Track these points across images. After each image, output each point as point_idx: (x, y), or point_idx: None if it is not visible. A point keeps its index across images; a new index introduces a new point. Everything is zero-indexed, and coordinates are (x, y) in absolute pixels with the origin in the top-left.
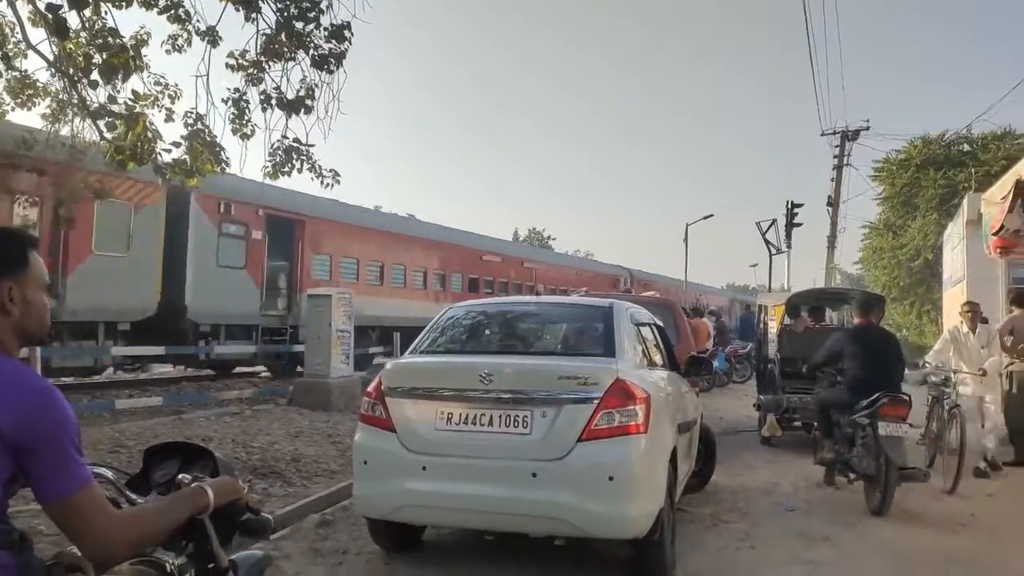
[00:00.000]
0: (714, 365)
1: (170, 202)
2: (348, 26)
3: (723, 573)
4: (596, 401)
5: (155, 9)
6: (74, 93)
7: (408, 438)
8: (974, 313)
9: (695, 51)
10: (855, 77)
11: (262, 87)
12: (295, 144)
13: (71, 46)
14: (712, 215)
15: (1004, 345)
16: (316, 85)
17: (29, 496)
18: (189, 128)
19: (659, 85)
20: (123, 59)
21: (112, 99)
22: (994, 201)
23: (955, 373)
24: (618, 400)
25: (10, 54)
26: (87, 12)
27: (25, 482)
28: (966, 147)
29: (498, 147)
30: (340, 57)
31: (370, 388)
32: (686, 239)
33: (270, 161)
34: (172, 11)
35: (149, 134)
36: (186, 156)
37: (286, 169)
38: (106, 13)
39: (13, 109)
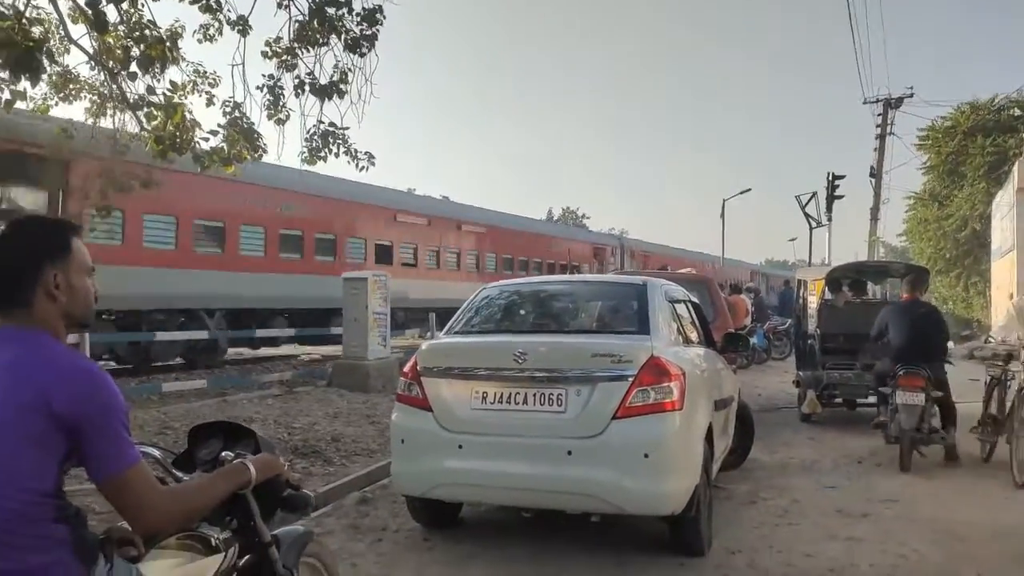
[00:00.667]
0: (752, 342)
1: None
2: (380, 9)
3: (761, 549)
4: (631, 378)
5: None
6: (114, 86)
7: (444, 417)
8: None
9: (729, 31)
10: (898, 45)
11: (296, 73)
12: (331, 128)
13: (111, 39)
14: (749, 189)
15: None
16: (349, 70)
17: (82, 476)
18: (227, 116)
19: (694, 71)
20: (160, 50)
21: (151, 90)
22: None
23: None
24: (653, 377)
25: (53, 51)
26: (124, 5)
27: (78, 461)
28: (1017, 112)
29: (540, 135)
30: (372, 39)
31: (406, 368)
32: (723, 215)
33: (306, 146)
34: (203, 1)
35: (188, 123)
36: (224, 144)
37: (323, 154)
38: (142, 6)
39: (56, 104)
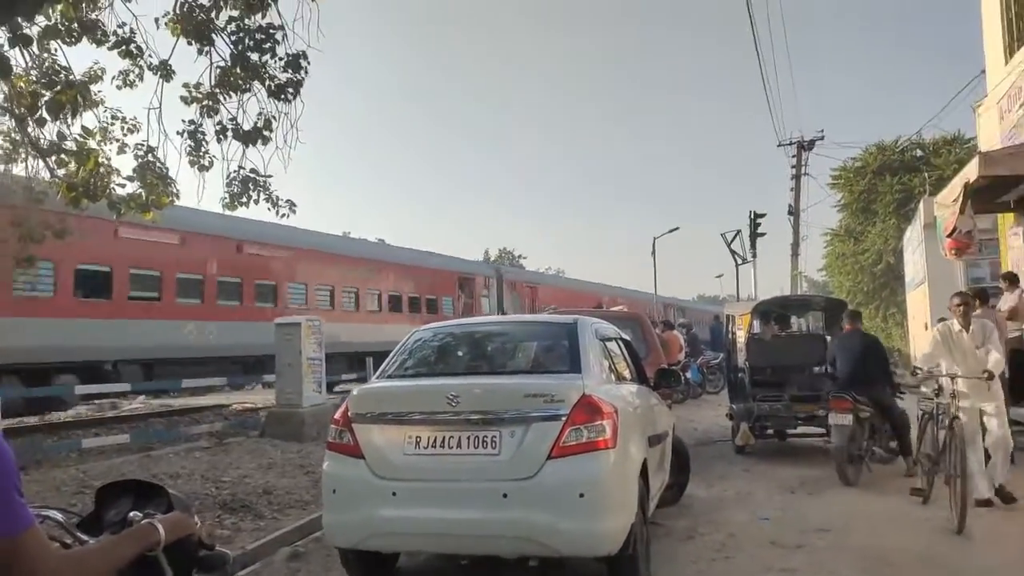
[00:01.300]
0: (687, 376)
1: None
2: (304, 55)
3: None
4: (563, 418)
5: (106, 45)
6: (23, 134)
7: (377, 464)
8: (966, 307)
9: (652, 72)
10: (807, 88)
11: (218, 118)
12: (251, 175)
13: (21, 84)
14: (678, 228)
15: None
16: (274, 117)
17: None
18: (139, 160)
19: (618, 109)
20: (71, 95)
21: (62, 136)
22: (946, 204)
23: (952, 379)
24: (585, 416)
25: None
26: (35, 50)
27: None
28: (919, 152)
29: (461, 178)
30: (297, 86)
31: (337, 415)
32: (653, 252)
33: (227, 191)
34: (123, 47)
35: (102, 169)
36: (141, 190)
37: (243, 200)
38: (56, 50)
39: None
